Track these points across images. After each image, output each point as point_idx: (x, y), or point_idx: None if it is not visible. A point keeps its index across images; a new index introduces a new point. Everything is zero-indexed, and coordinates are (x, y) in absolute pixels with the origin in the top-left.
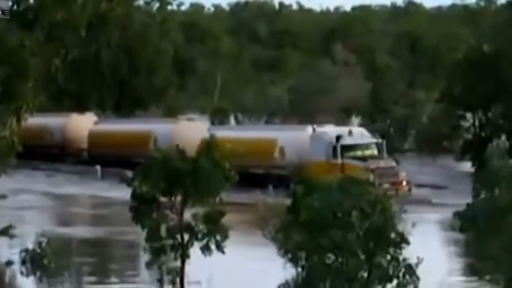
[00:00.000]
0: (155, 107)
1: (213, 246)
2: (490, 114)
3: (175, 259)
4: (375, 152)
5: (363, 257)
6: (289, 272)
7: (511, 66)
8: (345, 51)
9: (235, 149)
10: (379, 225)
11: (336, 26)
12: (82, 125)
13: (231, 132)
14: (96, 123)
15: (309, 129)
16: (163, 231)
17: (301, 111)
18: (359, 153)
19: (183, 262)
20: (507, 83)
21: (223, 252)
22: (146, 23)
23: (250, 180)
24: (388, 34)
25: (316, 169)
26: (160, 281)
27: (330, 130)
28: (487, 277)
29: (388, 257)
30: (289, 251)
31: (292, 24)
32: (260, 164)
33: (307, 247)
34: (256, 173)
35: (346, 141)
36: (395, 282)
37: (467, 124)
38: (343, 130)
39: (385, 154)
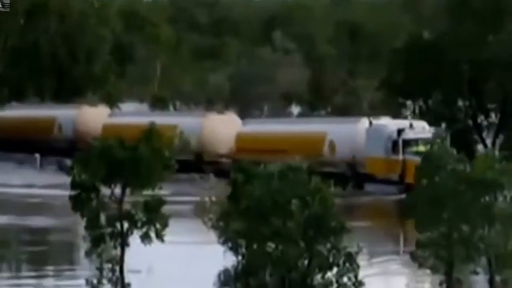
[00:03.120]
0: (92, 95)
1: (152, 235)
2: (430, 102)
3: (115, 248)
4: None
5: (303, 245)
6: (230, 260)
7: (451, 53)
8: (285, 39)
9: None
10: (319, 214)
11: (276, 13)
12: (94, 117)
13: (269, 126)
14: (110, 115)
15: (364, 121)
16: (102, 219)
17: (241, 98)
18: (422, 148)
19: (122, 250)
20: (447, 70)
21: (162, 241)
22: (85, 11)
23: None
24: (328, 22)
25: (373, 166)
26: (99, 269)
27: (388, 123)
28: (428, 264)
29: (329, 245)
30: (229, 239)
31: (232, 12)
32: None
33: (248, 235)
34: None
35: (408, 135)
36: (335, 270)
37: (408, 112)
38: (401, 123)
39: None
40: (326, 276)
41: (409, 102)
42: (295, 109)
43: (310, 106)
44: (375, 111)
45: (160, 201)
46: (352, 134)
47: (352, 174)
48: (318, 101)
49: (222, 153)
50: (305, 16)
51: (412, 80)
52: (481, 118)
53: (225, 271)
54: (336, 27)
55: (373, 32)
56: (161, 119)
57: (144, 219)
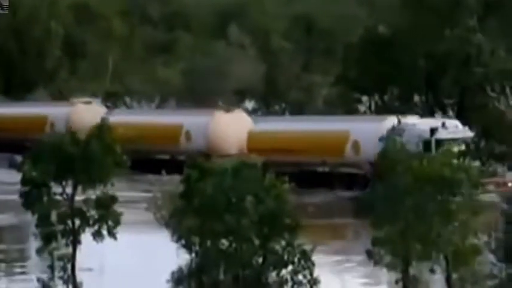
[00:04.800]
0: (44, 90)
1: (104, 232)
2: (386, 97)
3: (67, 245)
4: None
5: (257, 242)
6: (183, 258)
7: (407, 48)
8: (240, 34)
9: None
10: (273, 211)
11: (231, 7)
12: (89, 116)
13: (284, 124)
14: (108, 114)
15: (391, 120)
16: (54, 216)
17: (194, 94)
18: (456, 149)
19: (74, 248)
20: (403, 65)
21: (115, 238)
22: (36, 5)
23: (313, 179)
24: (283, 16)
25: None
26: (51, 267)
27: (418, 122)
28: (384, 262)
29: (283, 242)
30: (182, 237)
31: (185, 5)
32: (326, 161)
33: (201, 233)
34: (321, 172)
35: (442, 134)
36: (290, 267)
37: (364, 108)
38: (432, 122)
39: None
40: (281, 274)
41: (365, 98)
42: (249, 104)
43: (265, 101)
44: (330, 106)
45: (112, 198)
46: (378, 133)
47: None
48: (272, 96)
49: (231, 153)
50: (260, 10)
51: (367, 75)
52: (438, 114)
53: (178, 269)
54: (291, 21)
55: (329, 26)
56: (165, 118)
57: (96, 216)
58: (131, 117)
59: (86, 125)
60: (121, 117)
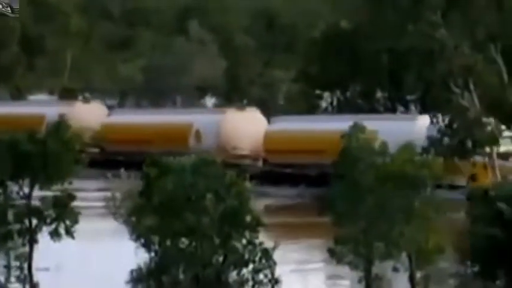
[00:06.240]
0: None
1: (62, 231)
2: (348, 94)
3: (23, 245)
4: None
5: (217, 241)
6: (142, 257)
7: (369, 43)
8: (201, 30)
9: None
10: (234, 208)
11: (191, 3)
12: (89, 116)
13: (304, 124)
14: (110, 114)
15: (423, 118)
16: (10, 215)
17: (155, 90)
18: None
19: (31, 248)
20: (365, 61)
21: (73, 237)
22: None
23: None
24: (244, 11)
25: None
26: (7, 267)
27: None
28: (346, 260)
29: (244, 241)
30: (141, 236)
31: (145, 1)
32: None
33: (160, 231)
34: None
35: None
36: (251, 266)
37: (325, 104)
38: None
39: None
40: (241, 273)
41: (326, 94)
42: (210, 101)
43: (226, 98)
44: (290, 103)
45: (70, 196)
46: (409, 132)
47: None
48: (233, 92)
49: (244, 154)
50: (220, 5)
51: (329, 71)
52: (400, 110)
53: (137, 268)
54: (253, 16)
55: (290, 21)
56: (174, 117)
57: (53, 215)
58: (133, 118)
59: (85, 125)
60: (121, 117)
